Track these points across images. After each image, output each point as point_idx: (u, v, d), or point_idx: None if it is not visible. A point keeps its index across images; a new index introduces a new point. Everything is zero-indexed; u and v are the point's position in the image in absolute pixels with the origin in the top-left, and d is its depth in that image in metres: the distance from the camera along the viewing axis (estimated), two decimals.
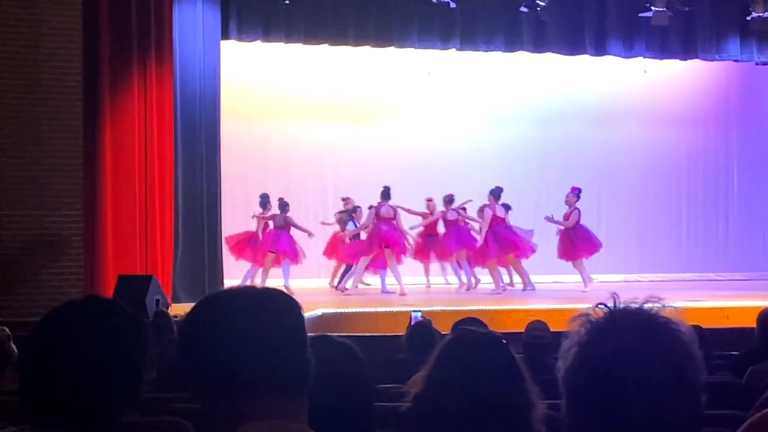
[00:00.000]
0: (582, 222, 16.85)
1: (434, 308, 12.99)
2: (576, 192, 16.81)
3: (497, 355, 3.21)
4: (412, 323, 9.43)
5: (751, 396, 5.07)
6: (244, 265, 16.92)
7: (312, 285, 17.76)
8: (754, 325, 8.04)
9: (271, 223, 16.63)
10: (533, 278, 17.25)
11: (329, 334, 3.30)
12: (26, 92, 12.84)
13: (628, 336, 1.83)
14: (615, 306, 1.89)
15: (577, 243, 16.70)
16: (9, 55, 12.81)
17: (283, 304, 2.17)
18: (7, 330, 6.58)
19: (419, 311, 11.26)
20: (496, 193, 16.72)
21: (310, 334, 2.27)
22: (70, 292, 12.50)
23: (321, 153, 19.43)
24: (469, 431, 3.14)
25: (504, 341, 3.25)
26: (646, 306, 1.88)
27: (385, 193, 16.67)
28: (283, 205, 16.63)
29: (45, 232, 12.85)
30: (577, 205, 16.79)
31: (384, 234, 16.41)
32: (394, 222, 16.63)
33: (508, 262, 17.07)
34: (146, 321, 2.59)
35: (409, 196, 17.66)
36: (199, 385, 2.09)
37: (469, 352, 3.20)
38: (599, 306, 1.90)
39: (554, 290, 17.16)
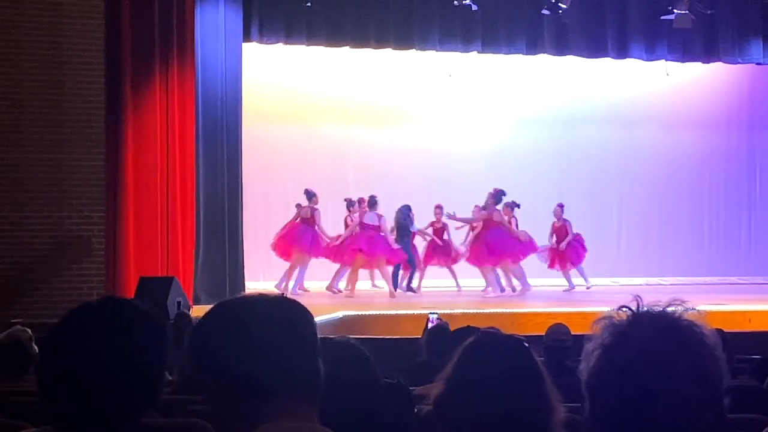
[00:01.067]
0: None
1: (454, 311, 12.97)
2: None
3: (519, 358, 3.20)
4: (429, 326, 9.41)
5: None
6: (262, 267, 16.94)
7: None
8: None
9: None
10: (549, 281, 17.30)
11: (347, 336, 3.30)
12: (49, 95, 12.88)
13: (652, 339, 1.82)
14: (638, 309, 1.88)
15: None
16: (32, 58, 12.86)
17: (297, 312, 2.23)
18: (29, 331, 6.60)
19: (436, 313, 11.25)
20: (497, 197, 16.74)
21: (330, 336, 2.32)
22: (91, 294, 12.54)
23: (342, 155, 19.43)
24: None
25: (526, 344, 3.24)
26: (670, 309, 1.87)
27: (372, 203, 16.63)
28: (311, 196, 16.65)
29: (66, 234, 12.89)
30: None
31: (360, 240, 16.47)
32: (380, 230, 16.61)
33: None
34: (166, 322, 2.59)
35: (430, 197, 17.67)
36: (216, 389, 2.12)
37: (491, 354, 3.18)
38: (623, 309, 1.89)
39: (574, 293, 17.12)
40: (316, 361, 2.17)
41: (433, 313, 11.27)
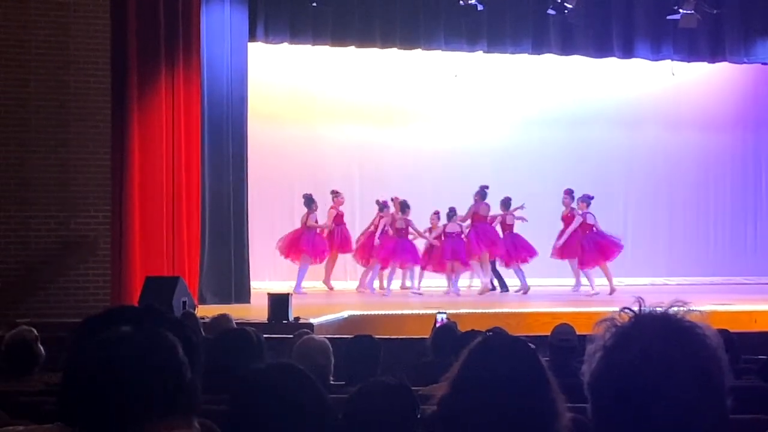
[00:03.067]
0: (598, 225, 16.94)
1: (460, 311, 12.98)
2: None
3: (525, 361, 3.20)
4: (437, 325, 9.41)
5: None
6: (267, 267, 16.96)
7: (338, 287, 17.76)
8: None
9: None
10: (556, 281, 17.33)
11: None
12: (55, 94, 12.90)
13: (654, 340, 1.82)
14: (640, 310, 1.88)
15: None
16: (38, 57, 12.87)
17: (157, 343, 2.33)
18: (35, 331, 6.62)
19: (444, 313, 11.24)
20: (482, 193, 16.97)
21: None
22: (97, 294, 12.57)
23: (348, 155, 19.43)
24: None
25: (533, 346, 3.23)
26: (672, 310, 1.87)
27: (403, 207, 16.84)
28: (310, 203, 16.72)
29: (72, 234, 12.91)
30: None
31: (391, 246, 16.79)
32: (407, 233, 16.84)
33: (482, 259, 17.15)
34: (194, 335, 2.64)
35: (435, 197, 17.67)
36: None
37: (497, 357, 3.18)
38: (625, 310, 1.89)
39: (579, 293, 17.11)
40: (177, 382, 2.31)
41: (442, 313, 11.27)
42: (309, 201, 16.81)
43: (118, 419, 2.22)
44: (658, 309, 1.88)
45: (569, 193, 17.10)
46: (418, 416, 3.17)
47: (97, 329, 2.52)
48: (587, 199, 16.80)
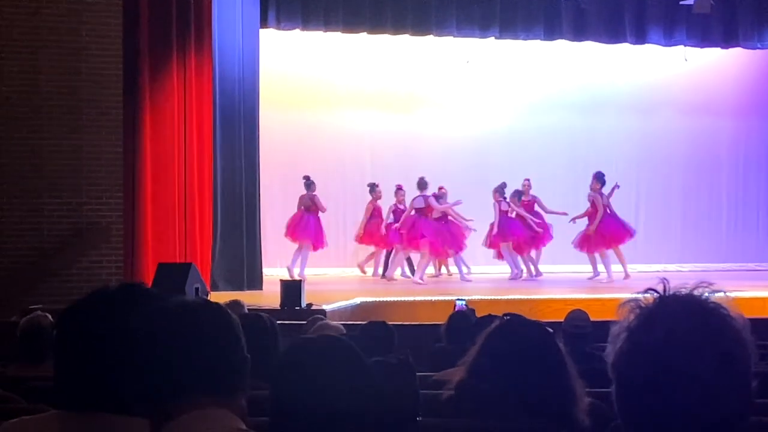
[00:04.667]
0: (614, 210, 16.91)
1: (472, 297, 12.96)
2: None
3: (543, 345, 3.19)
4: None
5: None
6: (280, 254, 16.97)
7: (349, 273, 17.77)
8: None
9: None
10: (571, 267, 17.32)
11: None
12: (67, 81, 12.90)
13: (679, 322, 1.81)
14: (665, 292, 1.87)
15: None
16: (50, 44, 12.87)
17: (213, 316, 2.28)
18: (50, 317, 6.63)
19: (464, 300, 11.24)
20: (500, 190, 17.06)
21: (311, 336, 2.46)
22: (110, 280, 12.57)
23: (359, 141, 19.43)
24: (512, 421, 3.12)
25: (550, 330, 3.22)
26: (697, 292, 1.86)
27: (421, 184, 16.77)
28: (309, 184, 16.69)
29: (85, 221, 12.92)
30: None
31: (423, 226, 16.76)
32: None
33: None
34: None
35: (448, 183, 17.63)
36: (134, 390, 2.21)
37: (514, 341, 3.17)
38: (649, 292, 1.88)
39: (596, 281, 17.09)
40: (235, 360, 2.25)
41: (461, 300, 11.26)
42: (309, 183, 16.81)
43: (158, 394, 2.20)
44: (682, 290, 1.87)
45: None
46: (417, 393, 3.15)
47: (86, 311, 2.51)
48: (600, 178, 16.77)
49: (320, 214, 16.78)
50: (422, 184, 16.71)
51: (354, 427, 2.50)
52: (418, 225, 16.57)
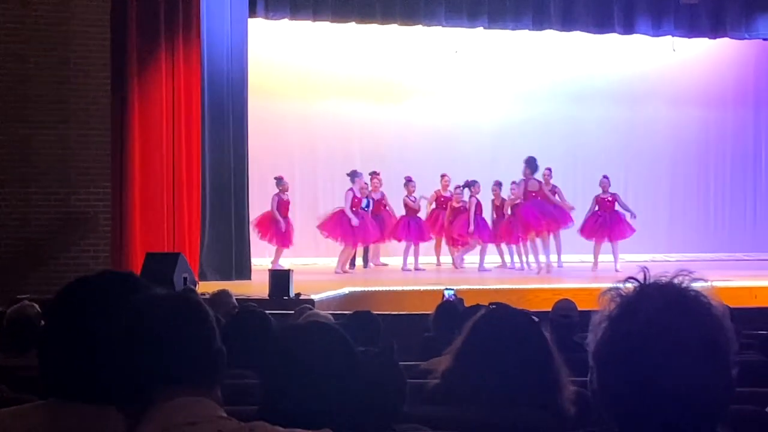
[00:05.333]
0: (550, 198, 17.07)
1: (461, 287, 12.97)
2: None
3: (529, 333, 3.20)
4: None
5: None
6: (268, 244, 16.95)
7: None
8: None
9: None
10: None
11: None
12: (55, 71, 12.87)
13: (659, 310, 1.82)
14: (645, 280, 1.88)
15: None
16: (38, 34, 12.84)
17: (189, 309, 2.31)
18: (37, 306, 6.63)
19: (452, 290, 11.25)
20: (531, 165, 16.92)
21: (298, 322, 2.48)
22: (98, 270, 12.55)
23: (348, 131, 19.41)
24: (498, 408, 3.14)
25: (536, 319, 3.23)
26: (677, 280, 1.87)
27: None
28: (279, 182, 16.69)
29: (73, 210, 12.91)
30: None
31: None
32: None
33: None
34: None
35: (435, 173, 17.64)
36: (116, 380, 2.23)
37: (500, 329, 3.18)
38: (630, 280, 1.89)
39: (581, 269, 17.14)
40: (211, 351, 2.28)
41: (449, 289, 11.28)
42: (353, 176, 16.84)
43: (140, 384, 2.21)
44: (662, 279, 1.88)
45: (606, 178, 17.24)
46: (404, 382, 3.17)
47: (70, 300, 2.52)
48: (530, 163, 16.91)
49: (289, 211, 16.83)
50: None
51: (342, 414, 2.51)
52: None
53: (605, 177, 17.23)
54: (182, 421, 2.16)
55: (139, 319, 2.25)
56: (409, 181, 17.34)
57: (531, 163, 16.73)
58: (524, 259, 17.17)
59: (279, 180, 16.65)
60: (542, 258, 16.75)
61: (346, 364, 2.59)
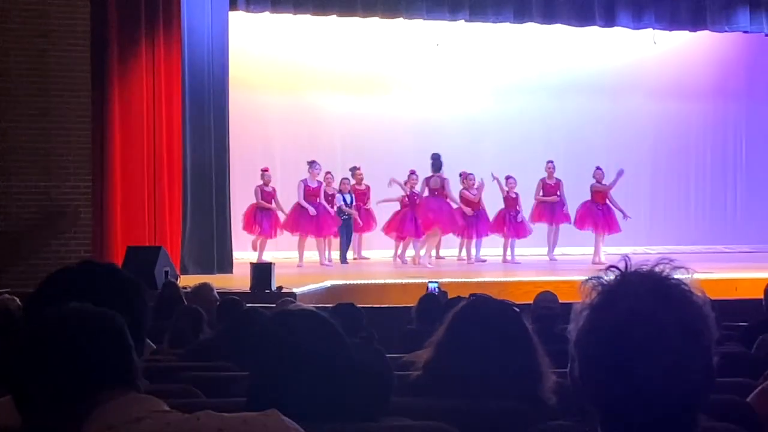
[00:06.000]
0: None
1: (443, 279, 12.99)
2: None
3: (509, 322, 3.21)
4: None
5: (761, 365, 5.08)
6: (249, 237, 16.94)
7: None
8: (762, 296, 8.05)
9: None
10: (538, 251, 17.45)
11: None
12: (35, 63, 12.83)
13: (641, 298, 1.83)
14: (627, 269, 1.89)
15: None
16: (18, 27, 12.79)
17: (105, 316, 2.34)
18: (17, 300, 6.61)
19: (436, 282, 11.27)
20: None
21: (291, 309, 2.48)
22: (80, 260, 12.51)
23: (329, 124, 19.39)
24: (480, 398, 3.14)
25: (517, 309, 3.24)
26: (658, 268, 1.88)
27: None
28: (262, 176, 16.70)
29: (53, 204, 12.87)
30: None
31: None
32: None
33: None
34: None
35: (416, 167, 17.62)
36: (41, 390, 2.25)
37: (481, 319, 3.19)
38: (611, 269, 1.90)
39: (563, 262, 17.20)
40: (129, 354, 2.32)
41: (433, 282, 11.29)
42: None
43: (66, 393, 2.23)
44: (644, 267, 1.88)
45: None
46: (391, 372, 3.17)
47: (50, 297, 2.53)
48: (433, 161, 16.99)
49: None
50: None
51: (333, 402, 2.51)
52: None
53: (599, 168, 17.36)
54: (128, 418, 2.19)
55: (53, 331, 2.28)
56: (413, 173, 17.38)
57: (434, 161, 16.76)
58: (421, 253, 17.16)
59: (262, 172, 16.65)
60: (433, 252, 17.08)
61: (338, 352, 2.59)
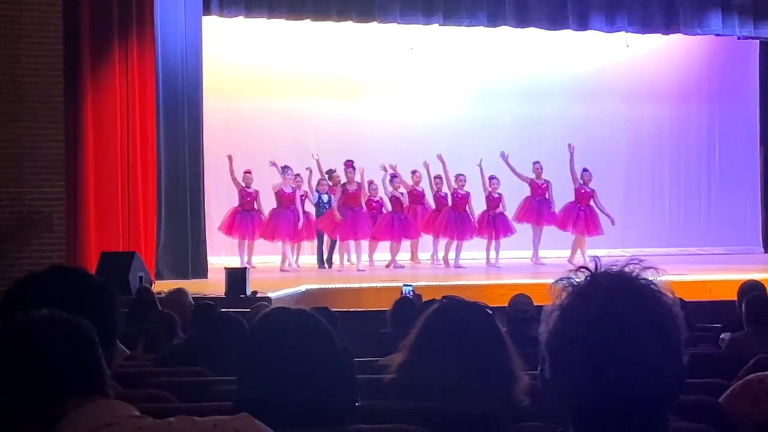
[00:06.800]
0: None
1: (418, 283, 13.00)
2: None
3: (482, 324, 3.21)
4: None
5: (733, 366, 5.10)
6: (224, 242, 16.90)
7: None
8: (735, 298, 8.09)
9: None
10: (514, 254, 17.48)
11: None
12: (6, 69, 12.75)
13: (611, 298, 1.83)
14: (596, 269, 1.89)
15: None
16: None
17: (69, 325, 2.33)
18: None
19: (411, 286, 11.28)
20: None
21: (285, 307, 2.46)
22: (48, 265, 12.43)
23: (304, 128, 19.37)
24: (452, 401, 3.14)
25: (489, 311, 3.24)
26: (627, 269, 1.89)
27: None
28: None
29: (26, 209, 12.79)
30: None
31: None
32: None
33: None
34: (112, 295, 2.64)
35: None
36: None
37: (454, 321, 3.19)
38: (581, 270, 1.90)
39: (537, 265, 17.25)
40: (99, 361, 2.32)
41: (408, 286, 11.30)
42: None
43: (36, 400, 2.23)
44: (614, 268, 1.89)
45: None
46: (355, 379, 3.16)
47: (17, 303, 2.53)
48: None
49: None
50: None
51: (315, 404, 2.50)
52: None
53: (586, 170, 17.46)
54: (100, 423, 2.19)
55: (22, 338, 2.28)
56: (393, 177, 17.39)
57: (348, 166, 16.82)
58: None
59: (244, 174, 16.65)
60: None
61: (327, 353, 2.59)
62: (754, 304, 7.01)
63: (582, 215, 17.35)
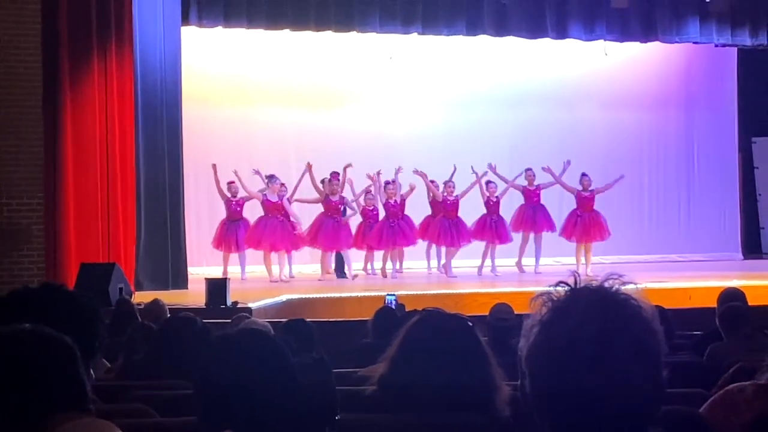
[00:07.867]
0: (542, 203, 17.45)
1: (399, 292, 12.99)
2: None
3: (462, 335, 3.21)
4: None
5: (713, 375, 5.12)
6: (204, 253, 16.85)
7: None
8: (715, 305, 8.12)
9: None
10: (499, 261, 17.51)
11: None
12: None
13: (590, 314, 1.84)
14: (576, 284, 1.89)
15: None
16: None
17: (48, 342, 2.35)
18: None
19: (394, 295, 11.27)
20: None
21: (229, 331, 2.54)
22: (32, 281, 12.39)
23: (284, 138, 19.34)
24: (434, 413, 3.14)
25: (470, 323, 3.24)
26: (607, 284, 1.89)
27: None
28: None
29: (5, 221, 12.75)
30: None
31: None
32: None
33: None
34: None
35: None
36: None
37: (434, 333, 3.19)
38: (560, 285, 1.91)
39: (518, 273, 17.27)
40: (81, 378, 2.35)
41: (391, 296, 11.29)
42: None
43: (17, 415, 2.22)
44: (593, 283, 1.89)
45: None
46: (334, 392, 3.16)
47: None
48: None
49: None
50: None
51: (275, 423, 2.51)
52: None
53: (584, 175, 17.51)
54: None
55: (5, 353, 2.28)
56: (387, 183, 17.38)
57: (334, 178, 16.90)
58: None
59: (228, 185, 16.60)
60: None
61: (280, 372, 2.59)
62: (726, 316, 7.19)
63: (580, 222, 17.33)
